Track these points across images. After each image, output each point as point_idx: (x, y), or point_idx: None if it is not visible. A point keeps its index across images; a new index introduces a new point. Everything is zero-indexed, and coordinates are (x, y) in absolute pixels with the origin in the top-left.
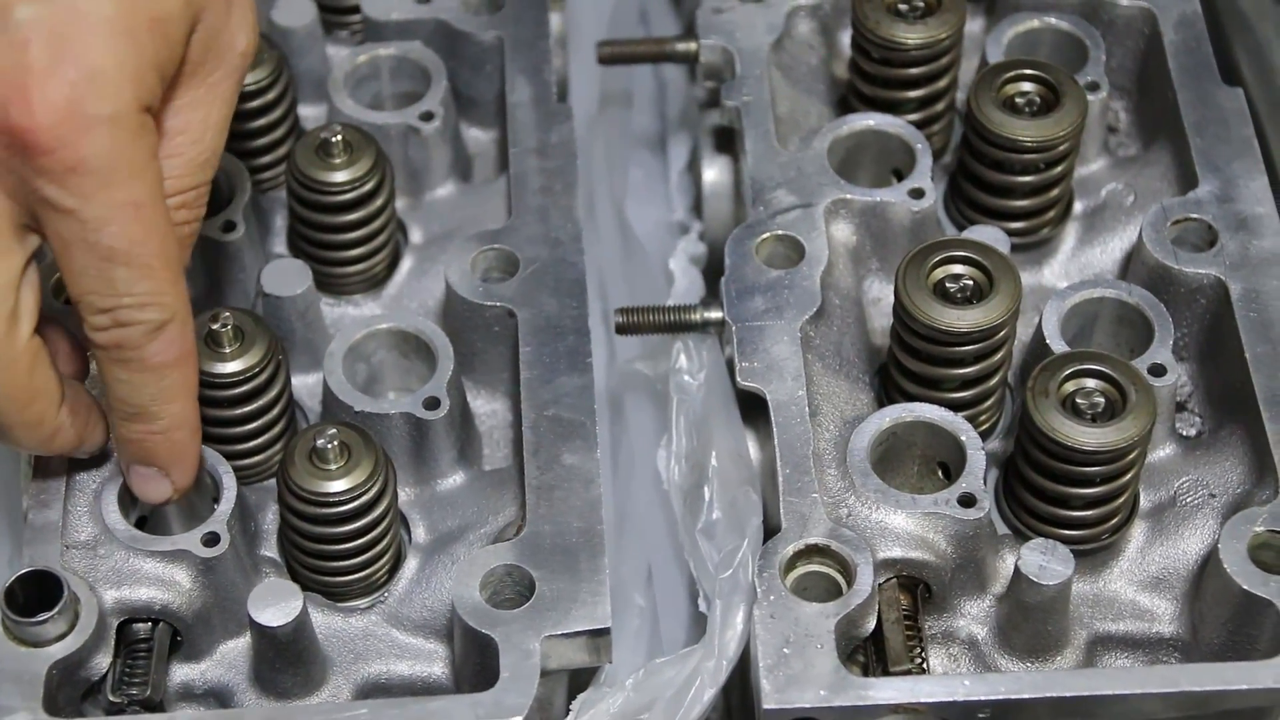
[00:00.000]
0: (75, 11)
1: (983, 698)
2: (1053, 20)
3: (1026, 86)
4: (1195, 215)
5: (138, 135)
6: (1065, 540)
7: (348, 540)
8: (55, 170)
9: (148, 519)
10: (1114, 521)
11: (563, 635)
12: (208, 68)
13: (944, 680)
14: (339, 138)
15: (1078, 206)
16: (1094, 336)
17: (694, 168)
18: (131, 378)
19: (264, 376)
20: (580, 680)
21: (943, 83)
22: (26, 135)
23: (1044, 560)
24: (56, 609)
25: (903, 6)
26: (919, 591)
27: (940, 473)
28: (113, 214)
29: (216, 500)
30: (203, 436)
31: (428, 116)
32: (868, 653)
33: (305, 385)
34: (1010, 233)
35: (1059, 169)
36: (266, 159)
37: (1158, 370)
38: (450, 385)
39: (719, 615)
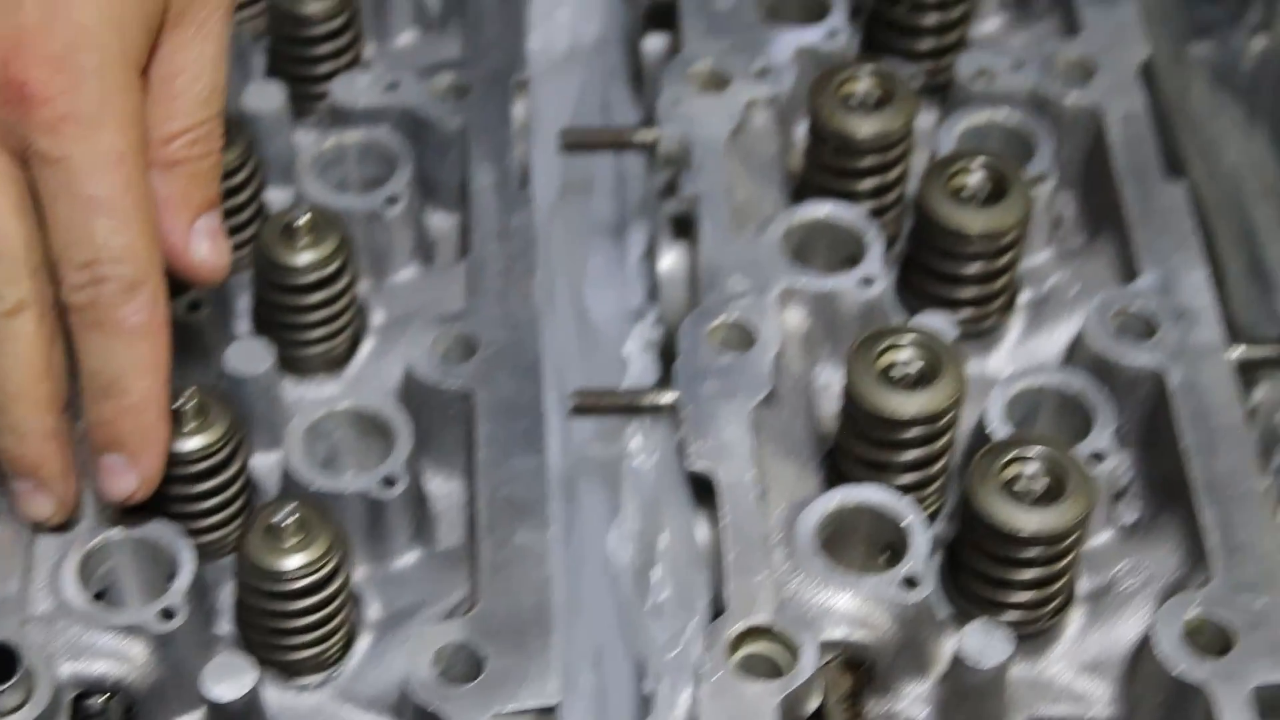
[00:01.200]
0: None
1: None
2: (1002, 115)
3: (975, 177)
4: (1137, 306)
5: (124, 91)
6: (1005, 622)
7: (302, 616)
8: (49, 119)
9: (104, 594)
10: (1053, 605)
11: (512, 712)
12: (192, 11)
13: None
14: (305, 220)
15: (1024, 296)
16: (1037, 423)
17: (651, 255)
18: (105, 345)
19: (224, 453)
20: None
21: (895, 173)
22: (24, 88)
23: (984, 642)
24: (12, 681)
25: (857, 99)
26: (861, 672)
27: (886, 555)
28: (98, 161)
29: (173, 576)
30: (163, 513)
31: (392, 200)
32: None
33: (265, 463)
34: (959, 321)
35: (1005, 259)
36: (234, 240)
37: (1097, 456)
38: (407, 464)
39: (665, 695)
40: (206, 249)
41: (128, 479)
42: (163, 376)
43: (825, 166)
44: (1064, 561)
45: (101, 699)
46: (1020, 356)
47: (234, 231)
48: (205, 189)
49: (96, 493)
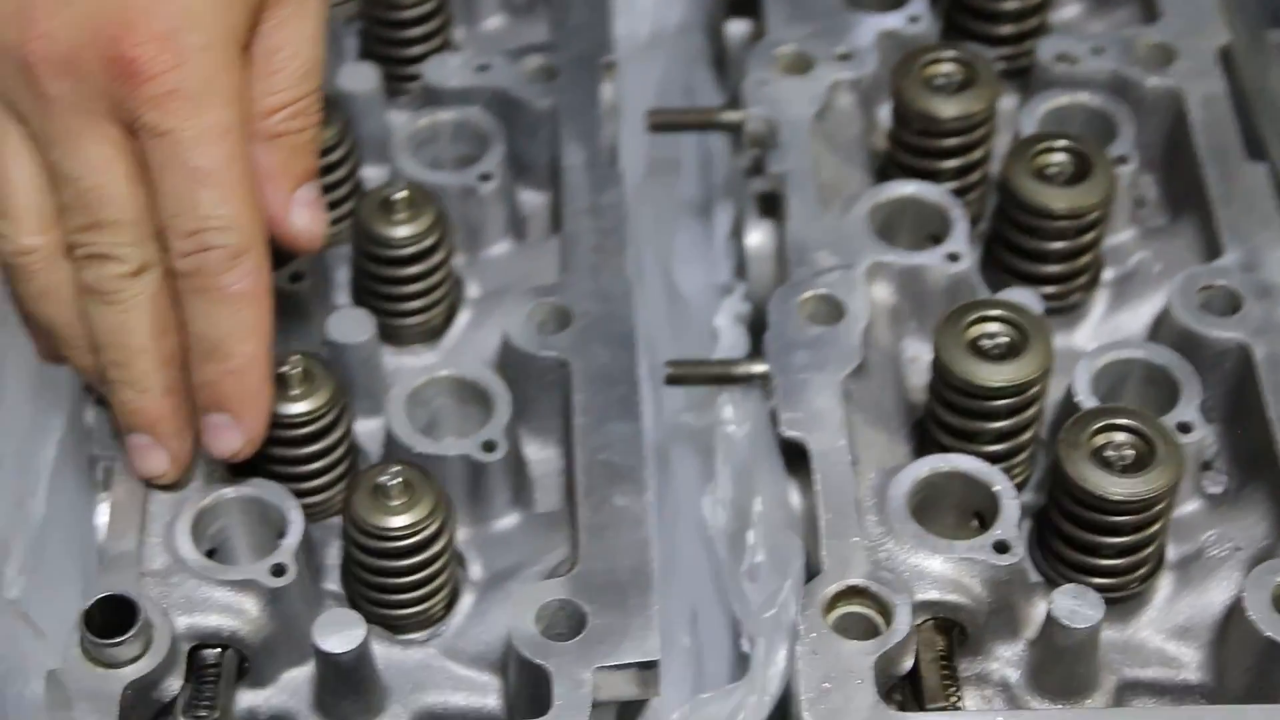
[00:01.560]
0: None
1: None
2: (1083, 97)
3: (1058, 157)
4: (1221, 282)
5: (228, 67)
6: (1095, 588)
7: (408, 574)
8: (157, 94)
9: (214, 553)
10: (1142, 571)
11: (613, 667)
12: None
13: (977, 716)
14: (402, 195)
15: (1108, 273)
16: (1123, 396)
17: (738, 233)
18: (210, 310)
19: (330, 417)
20: (627, 714)
21: (978, 154)
22: (135, 64)
23: (1075, 605)
24: (132, 632)
25: (940, 81)
26: (954, 633)
27: (976, 521)
28: (204, 135)
29: (281, 535)
30: (270, 475)
31: (485, 178)
32: (904, 691)
33: (366, 430)
34: (1043, 297)
35: (1089, 237)
36: (332, 215)
37: (1184, 428)
38: (506, 430)
39: (762, 653)
40: (306, 218)
41: (232, 437)
42: (265, 341)
43: (909, 147)
44: (1153, 528)
45: (216, 651)
46: (1104, 332)
47: (332, 206)
48: (304, 160)
49: (203, 449)
